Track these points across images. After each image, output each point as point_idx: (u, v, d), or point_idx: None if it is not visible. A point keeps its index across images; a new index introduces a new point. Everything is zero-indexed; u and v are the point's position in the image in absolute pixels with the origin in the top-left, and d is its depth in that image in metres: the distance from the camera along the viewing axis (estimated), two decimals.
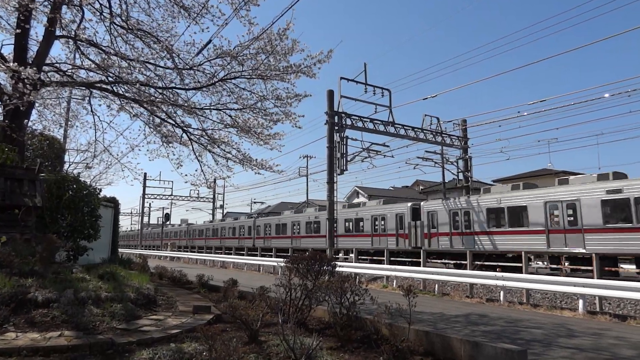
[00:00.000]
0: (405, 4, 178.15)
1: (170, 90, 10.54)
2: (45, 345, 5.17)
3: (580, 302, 11.54)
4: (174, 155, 11.11)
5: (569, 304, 13.41)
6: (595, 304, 12.58)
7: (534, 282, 13.05)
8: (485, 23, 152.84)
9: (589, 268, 15.48)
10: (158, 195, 55.95)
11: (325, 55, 9.85)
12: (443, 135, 24.49)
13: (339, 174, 20.49)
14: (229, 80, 10.37)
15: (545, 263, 19.63)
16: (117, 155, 14.94)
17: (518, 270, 16.73)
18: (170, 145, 10.95)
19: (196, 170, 11.53)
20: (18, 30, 9.11)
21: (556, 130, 35.07)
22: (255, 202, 67.03)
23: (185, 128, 11.01)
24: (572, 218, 16.93)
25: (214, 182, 12.59)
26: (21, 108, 8.77)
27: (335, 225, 27.93)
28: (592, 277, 14.22)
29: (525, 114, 22.22)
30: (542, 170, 34.17)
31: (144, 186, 54.18)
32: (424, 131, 23.47)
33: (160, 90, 10.45)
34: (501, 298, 13.34)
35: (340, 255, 25.96)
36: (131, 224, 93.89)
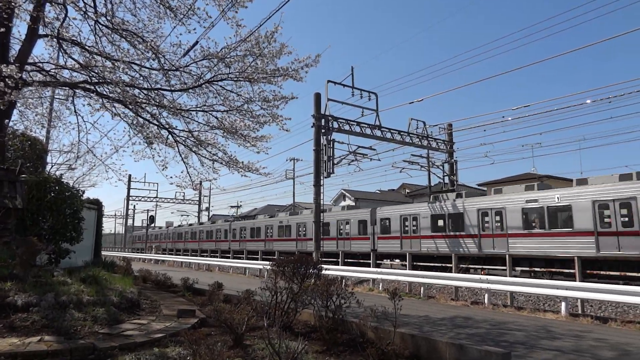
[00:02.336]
0: (392, 9, 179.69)
1: (156, 92, 10.43)
2: (25, 351, 5.06)
3: (563, 304, 11.71)
4: (160, 156, 10.98)
5: (552, 306, 13.60)
6: (578, 306, 12.79)
7: (518, 285, 13.22)
8: (471, 29, 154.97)
9: (572, 271, 15.74)
10: (143, 197, 55.32)
11: (313, 60, 9.85)
12: (429, 139, 24.70)
13: (325, 177, 20.50)
14: (216, 82, 10.31)
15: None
16: (101, 156, 14.73)
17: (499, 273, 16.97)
18: (152, 146, 10.82)
19: (182, 172, 11.42)
20: (2, 29, 8.92)
21: (539, 135, 36.04)
22: (241, 205, 66.69)
23: (170, 129, 10.90)
24: (499, 224, 19.10)
25: (200, 184, 12.49)
26: (1, 107, 8.58)
27: (304, 229, 29.19)
28: (574, 280, 14.48)
29: (510, 119, 22.58)
30: (526, 175, 34.68)
31: (129, 188, 53.50)
32: (410, 135, 23.64)
33: (145, 91, 10.34)
34: (486, 301, 13.47)
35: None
36: (115, 226, 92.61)
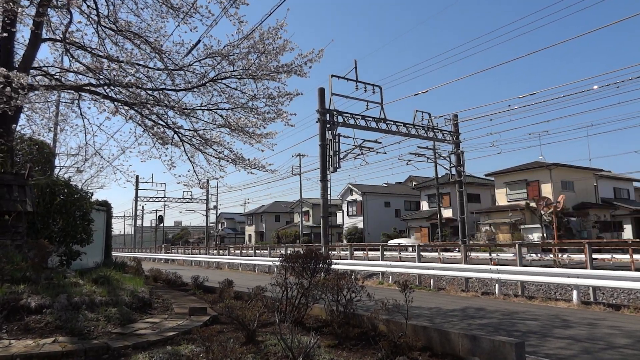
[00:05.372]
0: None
1: (161, 92, 10.44)
2: (40, 352, 5.11)
3: (575, 292, 11.64)
4: (166, 156, 11.02)
5: (564, 295, 13.51)
6: (589, 294, 12.69)
7: (528, 274, 13.15)
8: (476, 16, 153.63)
9: (582, 257, 15.61)
10: (151, 197, 55.66)
11: (316, 55, 9.80)
12: (435, 130, 24.55)
13: (332, 172, 20.46)
14: (220, 81, 10.30)
15: (539, 255, 19.81)
16: (109, 158, 14.81)
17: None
18: (165, 146, 10.85)
19: (189, 171, 11.45)
20: (5, 34, 8.97)
21: (547, 123, 35.88)
22: (248, 202, 66.90)
23: (176, 129, 10.91)
24: None
25: (207, 182, 12.49)
26: (9, 112, 8.64)
27: None
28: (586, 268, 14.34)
29: (516, 107, 22.43)
30: (534, 163, 34.40)
31: (137, 189, 53.85)
32: (416, 127, 23.51)
33: (150, 92, 10.35)
34: (496, 291, 13.42)
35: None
36: (124, 227, 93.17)
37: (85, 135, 12.07)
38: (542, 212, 27.66)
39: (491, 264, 16.31)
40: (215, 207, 60.24)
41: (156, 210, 72.15)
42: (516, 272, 13.52)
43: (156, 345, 5.75)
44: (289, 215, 64.59)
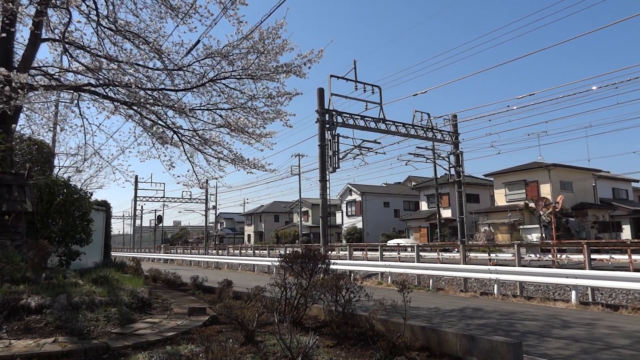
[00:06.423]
0: None
1: (160, 92, 10.45)
2: (40, 352, 5.12)
3: (573, 293, 11.67)
4: (166, 156, 11.03)
5: (562, 295, 13.55)
6: (588, 294, 12.73)
7: (527, 275, 13.18)
8: (478, 15, 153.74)
9: (580, 257, 15.64)
10: (150, 197, 55.58)
11: (316, 55, 9.82)
12: (434, 130, 24.56)
13: (331, 172, 20.46)
14: (219, 81, 10.31)
15: (538, 255, 19.86)
16: (108, 158, 14.80)
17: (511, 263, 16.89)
18: (164, 146, 10.85)
19: (188, 171, 11.46)
20: (4, 35, 8.98)
21: (545, 123, 36.00)
22: (247, 202, 66.87)
23: (176, 129, 10.93)
24: None
25: (207, 182, 12.50)
26: (9, 112, 8.64)
27: None
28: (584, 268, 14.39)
29: (515, 107, 22.52)
30: (533, 164, 34.46)
31: (136, 188, 53.80)
32: (415, 127, 23.53)
33: (149, 92, 10.36)
34: (495, 291, 13.45)
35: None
36: (123, 227, 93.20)
37: (85, 135, 12.08)
38: (541, 213, 27.71)
39: (490, 265, 16.33)
40: (215, 207, 60.23)
41: (155, 210, 72.20)
42: (515, 272, 13.55)
43: (156, 345, 5.76)
44: (288, 215, 64.60)
